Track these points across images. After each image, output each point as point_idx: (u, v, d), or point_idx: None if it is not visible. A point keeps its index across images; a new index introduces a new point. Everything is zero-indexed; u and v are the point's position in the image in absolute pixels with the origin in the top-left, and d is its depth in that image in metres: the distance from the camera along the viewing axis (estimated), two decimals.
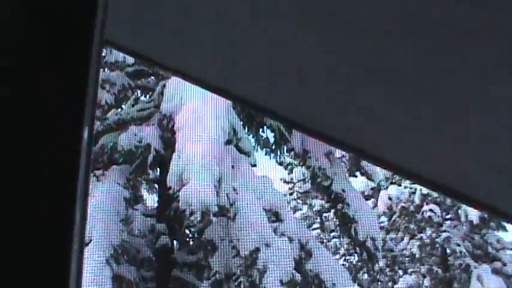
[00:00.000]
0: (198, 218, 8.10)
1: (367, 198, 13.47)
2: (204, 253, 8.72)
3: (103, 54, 10.21)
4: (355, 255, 12.06)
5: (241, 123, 9.55)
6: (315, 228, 14.65)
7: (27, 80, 0.44)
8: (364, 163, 10.76)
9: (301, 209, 14.87)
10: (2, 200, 0.40)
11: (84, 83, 0.44)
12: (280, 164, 11.79)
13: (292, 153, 9.96)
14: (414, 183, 13.25)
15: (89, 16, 0.46)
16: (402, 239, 14.18)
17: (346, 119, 1.22)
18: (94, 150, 9.41)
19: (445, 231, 13.39)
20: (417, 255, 13.65)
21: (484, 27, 0.94)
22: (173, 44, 1.20)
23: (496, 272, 12.54)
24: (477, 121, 1.10)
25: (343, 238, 12.80)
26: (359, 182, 12.03)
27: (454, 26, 0.95)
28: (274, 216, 8.89)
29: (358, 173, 11.14)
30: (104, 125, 9.73)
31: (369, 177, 11.30)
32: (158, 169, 9.86)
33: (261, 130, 10.08)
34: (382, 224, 13.98)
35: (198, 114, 8.72)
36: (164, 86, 9.68)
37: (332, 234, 14.73)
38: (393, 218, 14.25)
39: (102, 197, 8.54)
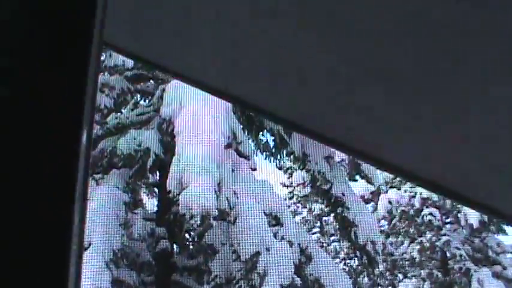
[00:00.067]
0: (198, 222, 8.10)
1: (367, 202, 13.46)
2: (204, 257, 8.71)
3: (102, 58, 10.22)
4: (355, 259, 12.04)
5: (241, 126, 9.56)
6: (315, 232, 14.64)
7: (27, 80, 0.44)
8: (364, 167, 10.75)
9: (301, 213, 14.85)
10: (2, 199, 0.40)
11: (83, 83, 0.44)
12: (280, 168, 11.80)
13: (292, 156, 9.96)
14: (414, 186, 13.26)
15: (88, 16, 0.46)
16: (402, 242, 14.17)
17: (346, 119, 1.22)
18: (93, 155, 9.42)
19: (445, 234, 13.38)
20: (417, 259, 13.64)
21: (484, 27, 0.94)
22: (173, 44, 1.21)
23: (496, 275, 12.52)
24: (477, 121, 1.10)
25: (343, 242, 12.78)
26: (359, 186, 12.01)
27: (454, 26, 0.95)
28: (274, 220, 8.89)
29: (358, 177, 11.13)
30: (103, 129, 9.73)
31: (369, 181, 11.28)
32: (158, 173, 9.86)
33: (260, 134, 10.10)
34: (382, 228, 13.96)
35: (198, 118, 8.73)
36: (164, 90, 9.69)
37: (332, 238, 14.72)
38: (393, 222, 14.24)
39: (102, 201, 8.54)
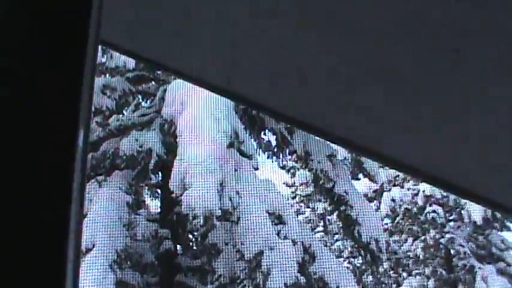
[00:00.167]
0: (201, 222, 8.09)
1: (370, 200, 13.45)
2: (208, 257, 8.71)
3: (103, 60, 10.23)
4: (359, 257, 12.03)
5: (243, 126, 9.55)
6: (319, 231, 14.63)
7: (27, 80, 0.44)
8: (366, 165, 10.73)
9: (304, 212, 14.84)
10: (2, 199, 0.40)
11: (79, 83, 0.45)
12: (283, 167, 11.79)
13: (294, 156, 9.95)
14: (417, 184, 13.25)
15: (83, 16, 0.47)
16: (406, 240, 14.16)
17: (346, 119, 1.22)
18: (96, 156, 9.43)
19: (448, 232, 13.36)
20: (421, 257, 13.62)
21: (484, 27, 0.94)
22: (173, 44, 1.21)
23: (500, 272, 12.51)
24: (477, 121, 1.10)
25: (346, 240, 12.78)
26: (362, 184, 12.00)
27: (454, 26, 0.95)
28: (278, 219, 8.88)
29: (360, 175, 11.11)
30: (105, 131, 9.74)
31: (372, 179, 11.26)
32: (160, 174, 9.87)
33: (262, 133, 10.09)
34: (385, 226, 13.95)
35: (200, 118, 8.73)
36: (165, 91, 9.69)
37: (335, 236, 14.71)
38: (396, 220, 14.22)
39: (105, 203, 8.55)
